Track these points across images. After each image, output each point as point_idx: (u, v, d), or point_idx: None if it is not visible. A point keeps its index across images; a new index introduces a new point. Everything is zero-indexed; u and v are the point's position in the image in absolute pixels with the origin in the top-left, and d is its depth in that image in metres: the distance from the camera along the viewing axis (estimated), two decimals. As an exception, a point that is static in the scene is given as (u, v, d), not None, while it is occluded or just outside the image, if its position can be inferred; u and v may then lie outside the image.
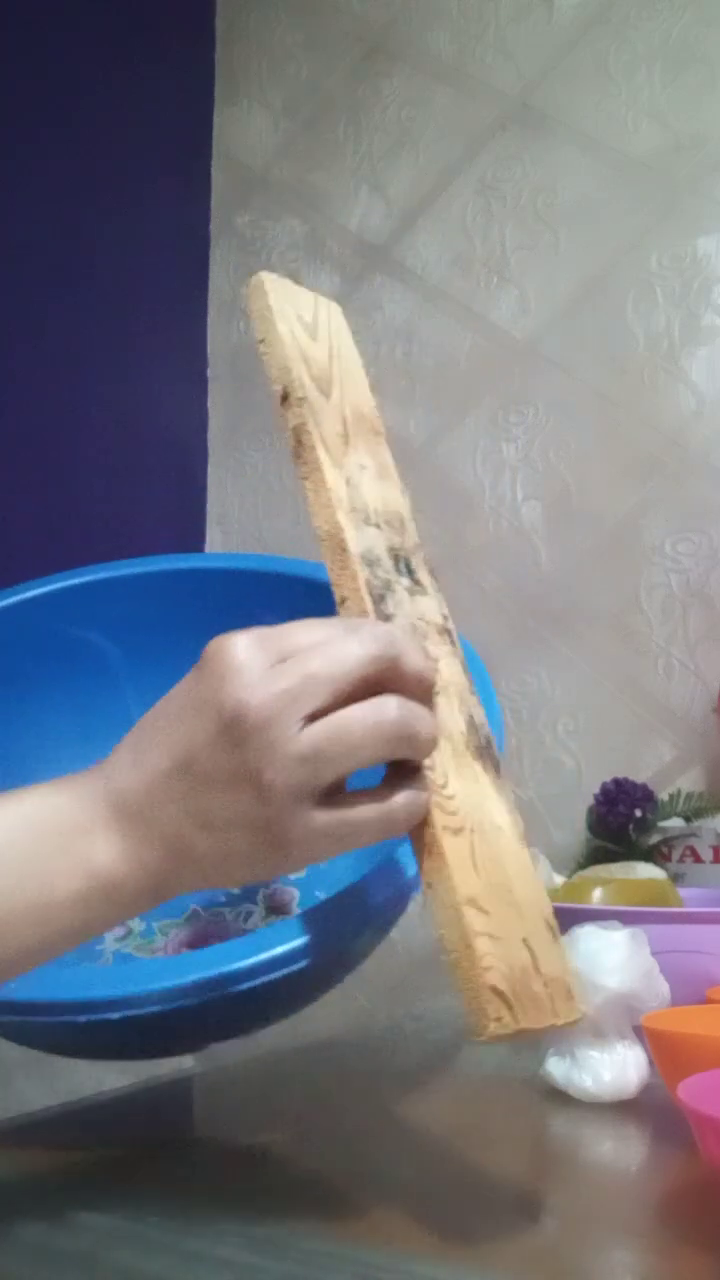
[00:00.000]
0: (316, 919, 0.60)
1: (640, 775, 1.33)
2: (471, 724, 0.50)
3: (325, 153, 1.75)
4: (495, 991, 0.44)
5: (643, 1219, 0.51)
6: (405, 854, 0.61)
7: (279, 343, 0.53)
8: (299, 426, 0.52)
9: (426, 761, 0.47)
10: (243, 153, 1.83)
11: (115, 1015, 0.57)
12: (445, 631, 0.52)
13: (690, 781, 1.38)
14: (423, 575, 0.53)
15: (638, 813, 1.26)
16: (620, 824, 1.26)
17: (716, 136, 1.46)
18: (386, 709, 0.44)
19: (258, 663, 0.44)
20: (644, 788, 1.28)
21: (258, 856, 0.45)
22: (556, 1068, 0.67)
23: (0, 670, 0.76)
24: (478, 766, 0.49)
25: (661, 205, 1.49)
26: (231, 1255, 0.47)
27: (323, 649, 0.44)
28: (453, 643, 0.52)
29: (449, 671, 0.50)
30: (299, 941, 0.58)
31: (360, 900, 0.61)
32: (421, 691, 0.46)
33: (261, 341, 0.53)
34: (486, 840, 0.47)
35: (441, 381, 1.61)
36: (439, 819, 0.46)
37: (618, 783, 1.29)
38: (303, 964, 0.58)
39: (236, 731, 0.43)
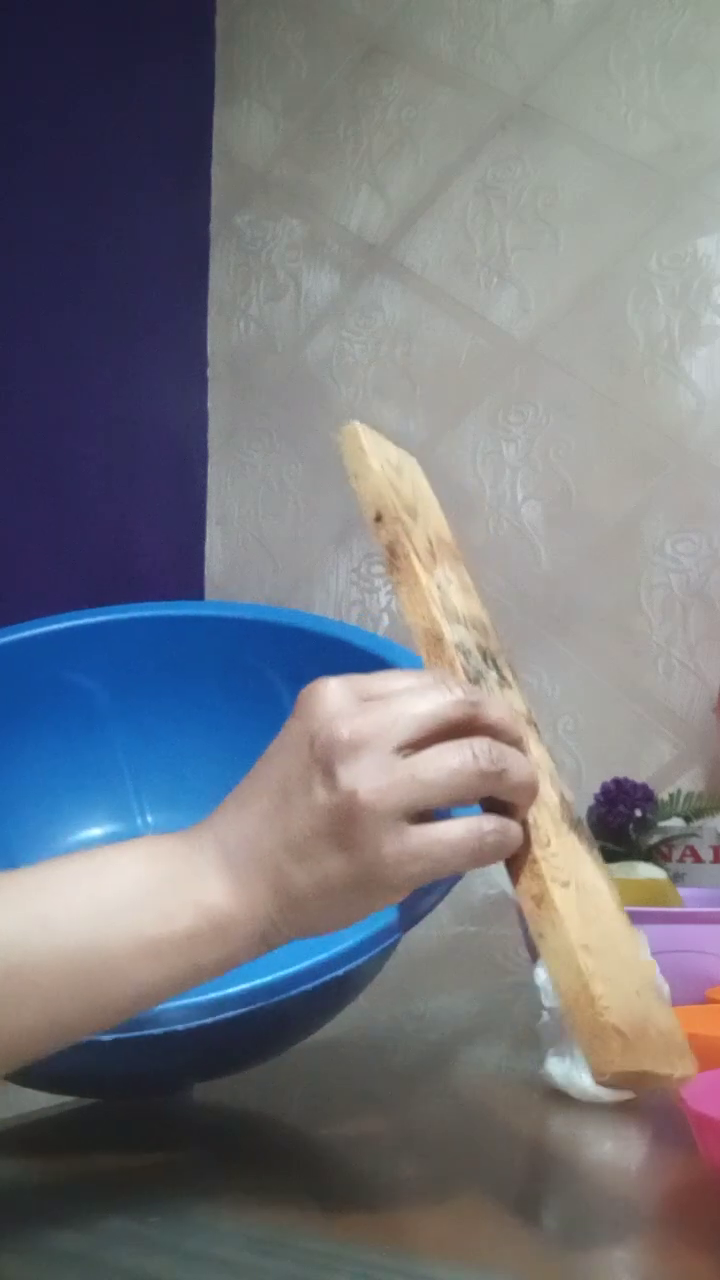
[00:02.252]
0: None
1: (640, 775, 1.33)
2: (564, 800, 0.53)
3: (325, 153, 1.75)
4: (616, 1030, 0.44)
5: (643, 1219, 0.51)
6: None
7: (371, 473, 0.56)
8: (393, 540, 0.54)
9: (529, 819, 0.48)
10: (243, 153, 1.83)
11: (138, 1033, 0.55)
12: (531, 723, 0.55)
13: (690, 781, 1.38)
14: (508, 673, 0.56)
15: (638, 813, 1.26)
16: (620, 824, 1.26)
17: (716, 136, 1.46)
18: (478, 743, 0.46)
19: (349, 698, 0.47)
20: (644, 788, 1.28)
21: (354, 886, 0.46)
22: (556, 1068, 0.67)
23: None
24: (574, 837, 0.52)
25: (661, 205, 1.49)
26: (231, 1255, 0.47)
27: (412, 691, 0.47)
28: (538, 733, 0.55)
29: (538, 753, 0.52)
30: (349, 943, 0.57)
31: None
32: (508, 740, 0.48)
33: (354, 476, 0.56)
34: (589, 898, 0.49)
35: (441, 381, 1.60)
36: (548, 872, 0.47)
37: (618, 783, 1.28)
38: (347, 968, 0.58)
39: (329, 756, 0.45)
